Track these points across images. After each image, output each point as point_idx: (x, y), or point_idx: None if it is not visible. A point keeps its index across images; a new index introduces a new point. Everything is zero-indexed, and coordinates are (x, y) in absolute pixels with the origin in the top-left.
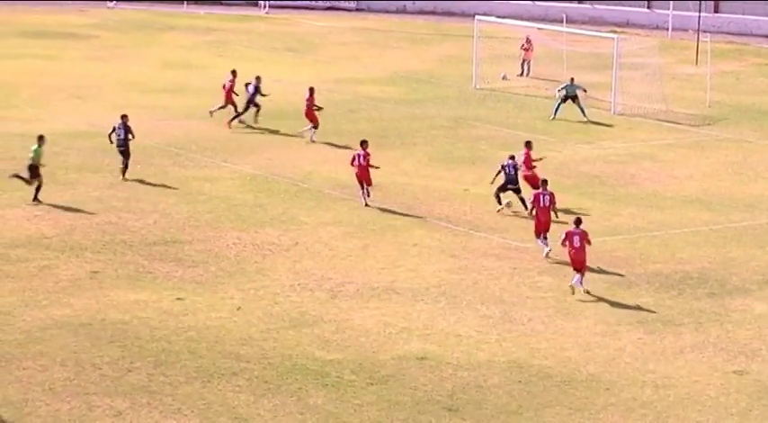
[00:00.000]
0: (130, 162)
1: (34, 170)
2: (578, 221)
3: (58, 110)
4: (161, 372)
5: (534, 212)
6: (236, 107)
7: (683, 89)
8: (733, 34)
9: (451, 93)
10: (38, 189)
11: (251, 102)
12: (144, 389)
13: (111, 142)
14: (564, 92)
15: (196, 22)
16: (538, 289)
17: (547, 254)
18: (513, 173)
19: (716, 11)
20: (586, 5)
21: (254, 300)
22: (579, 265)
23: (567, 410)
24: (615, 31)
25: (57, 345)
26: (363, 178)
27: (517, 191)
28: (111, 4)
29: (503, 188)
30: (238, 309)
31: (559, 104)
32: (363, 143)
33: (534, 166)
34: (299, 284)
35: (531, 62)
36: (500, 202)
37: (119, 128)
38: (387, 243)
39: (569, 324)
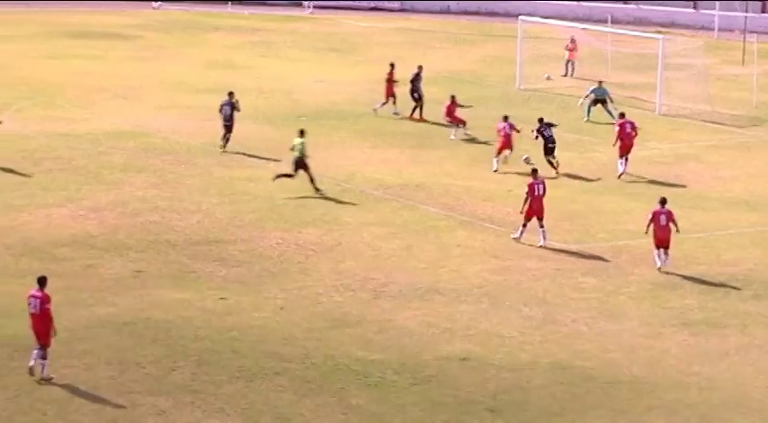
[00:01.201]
0: (231, 136)
1: (300, 163)
2: (664, 201)
3: (102, 110)
4: (204, 371)
5: (528, 201)
6: (395, 99)
7: (729, 90)
8: None
9: (495, 93)
10: (312, 180)
11: (415, 93)
12: (187, 388)
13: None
14: (592, 95)
15: (240, 22)
16: (581, 290)
17: (517, 238)
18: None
19: (763, 11)
20: (631, 6)
21: (297, 300)
22: (665, 244)
23: (611, 412)
24: (660, 32)
25: (101, 343)
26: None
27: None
28: (155, 5)
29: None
30: (281, 309)
31: (590, 106)
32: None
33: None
34: (341, 284)
35: (576, 63)
36: (553, 167)
37: (226, 104)
38: (430, 243)
39: (613, 326)
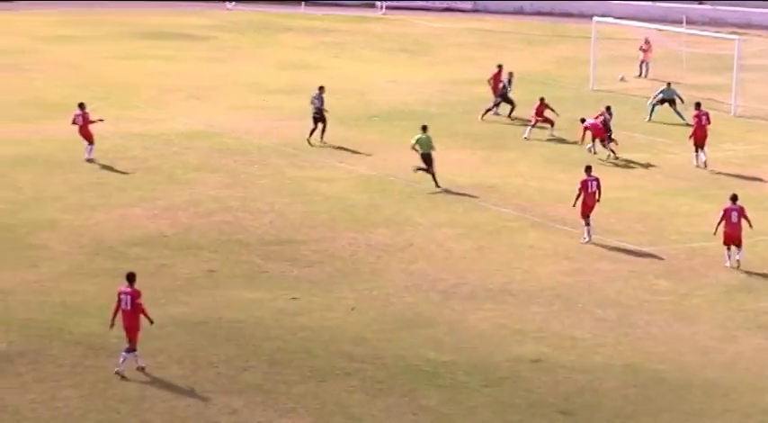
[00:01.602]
0: (327, 127)
1: (427, 158)
2: (735, 198)
3: (176, 110)
4: (276, 371)
5: (581, 197)
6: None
7: None
8: None
9: (568, 94)
10: (434, 176)
11: (503, 96)
12: (259, 388)
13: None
14: (661, 96)
15: (313, 23)
16: (655, 292)
17: (587, 240)
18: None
19: None
20: (707, 6)
21: (369, 300)
22: (737, 241)
23: (684, 415)
24: (736, 33)
25: (174, 342)
26: None
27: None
28: (229, 6)
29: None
30: (352, 309)
31: (654, 106)
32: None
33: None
34: (413, 285)
35: (650, 64)
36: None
37: (316, 98)
38: (501, 244)
39: (686, 328)
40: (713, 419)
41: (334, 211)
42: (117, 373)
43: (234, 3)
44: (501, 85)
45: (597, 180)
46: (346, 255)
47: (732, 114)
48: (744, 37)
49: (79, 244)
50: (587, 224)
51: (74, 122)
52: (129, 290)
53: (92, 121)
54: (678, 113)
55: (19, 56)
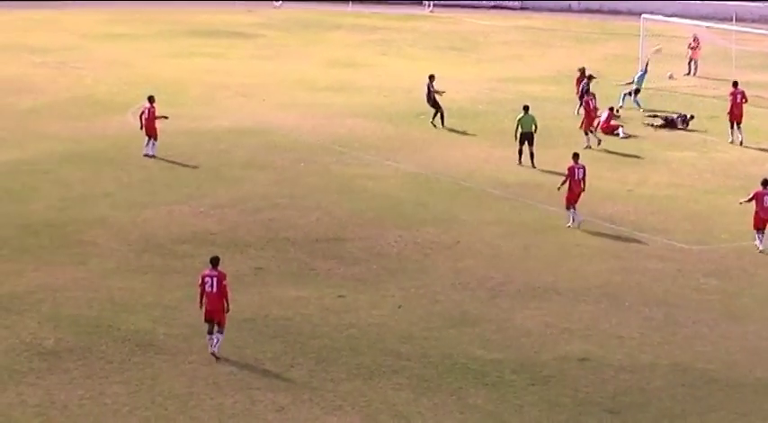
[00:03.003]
0: (441, 113)
1: (527, 136)
2: (766, 182)
3: (224, 108)
4: (322, 368)
5: (567, 184)
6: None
7: None
8: None
9: (616, 92)
10: (532, 156)
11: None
12: (306, 385)
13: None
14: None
15: (361, 20)
16: (703, 291)
17: (579, 224)
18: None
19: None
20: (757, 4)
21: (415, 298)
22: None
23: (733, 415)
24: None
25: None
26: None
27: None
28: (277, 4)
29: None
30: (399, 307)
31: (626, 95)
32: None
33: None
34: (459, 283)
35: (699, 61)
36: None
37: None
38: (548, 243)
39: (736, 328)
40: (764, 419)
41: (380, 209)
42: (212, 354)
43: (281, 1)
44: (582, 87)
45: (584, 168)
46: (393, 252)
47: None
48: None
49: (127, 241)
50: (570, 208)
51: (141, 116)
52: (215, 273)
53: (157, 117)
54: (637, 102)
55: (68, 53)
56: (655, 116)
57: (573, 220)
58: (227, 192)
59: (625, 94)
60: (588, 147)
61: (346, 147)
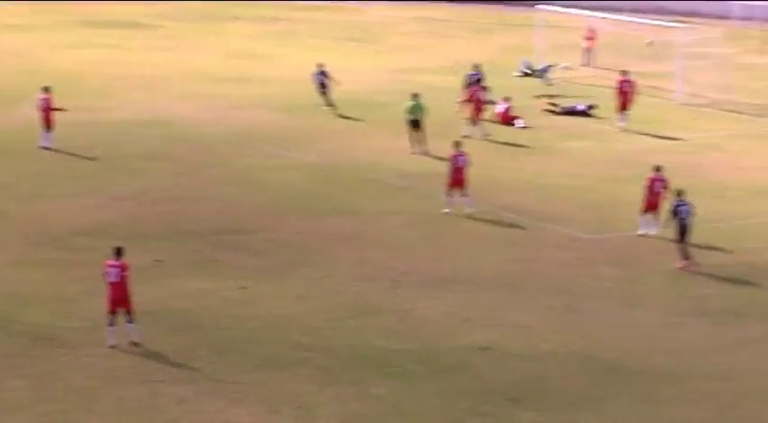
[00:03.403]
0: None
1: (415, 123)
2: (658, 168)
3: (123, 99)
4: (225, 360)
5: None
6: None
7: (749, 79)
8: None
9: (514, 82)
10: (421, 143)
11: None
12: (208, 377)
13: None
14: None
15: (262, 11)
16: (602, 280)
17: (468, 210)
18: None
19: None
20: None
21: (318, 289)
22: (656, 208)
23: (632, 402)
24: (681, 21)
25: (121, 332)
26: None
27: None
28: None
29: None
30: (301, 297)
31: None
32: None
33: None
34: (362, 274)
35: (595, 52)
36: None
37: (318, 74)
38: (450, 233)
39: (634, 315)
40: (660, 405)
41: (282, 200)
42: (134, 343)
43: None
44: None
45: (466, 155)
46: (295, 243)
47: (677, 102)
48: (687, 25)
49: (25, 234)
50: (449, 196)
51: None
52: (117, 263)
53: (54, 109)
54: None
55: None
56: (555, 104)
57: (469, 206)
58: (126, 184)
59: (545, 69)
60: (467, 136)
61: (247, 138)
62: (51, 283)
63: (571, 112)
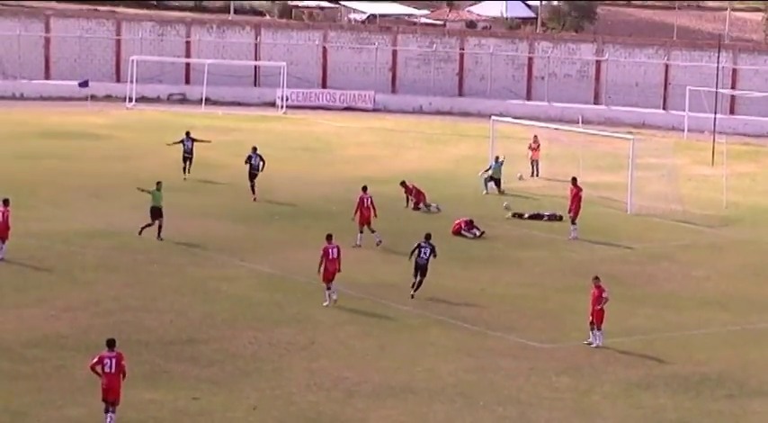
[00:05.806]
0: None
1: (155, 212)
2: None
3: (75, 209)
4: None
5: (322, 263)
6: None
7: (700, 190)
8: (749, 135)
9: (468, 192)
10: (160, 228)
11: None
12: None
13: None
14: (490, 172)
15: (215, 122)
16: (555, 389)
17: (334, 302)
18: None
19: (731, 112)
20: (602, 107)
21: (271, 399)
22: (600, 321)
23: None
24: (631, 132)
25: None
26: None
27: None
28: (129, 105)
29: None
30: (254, 409)
31: (487, 181)
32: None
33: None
34: (315, 384)
35: (539, 162)
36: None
37: (253, 156)
38: (403, 342)
39: None
40: None
41: (235, 310)
42: None
43: (134, 103)
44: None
45: (338, 247)
46: (248, 353)
47: (629, 212)
48: (638, 136)
49: None
50: (328, 288)
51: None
52: (113, 353)
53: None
54: (501, 191)
55: None
56: (520, 215)
57: (328, 297)
58: (78, 294)
59: (486, 181)
60: (358, 245)
61: (200, 247)
62: (1, 394)
63: (537, 217)
